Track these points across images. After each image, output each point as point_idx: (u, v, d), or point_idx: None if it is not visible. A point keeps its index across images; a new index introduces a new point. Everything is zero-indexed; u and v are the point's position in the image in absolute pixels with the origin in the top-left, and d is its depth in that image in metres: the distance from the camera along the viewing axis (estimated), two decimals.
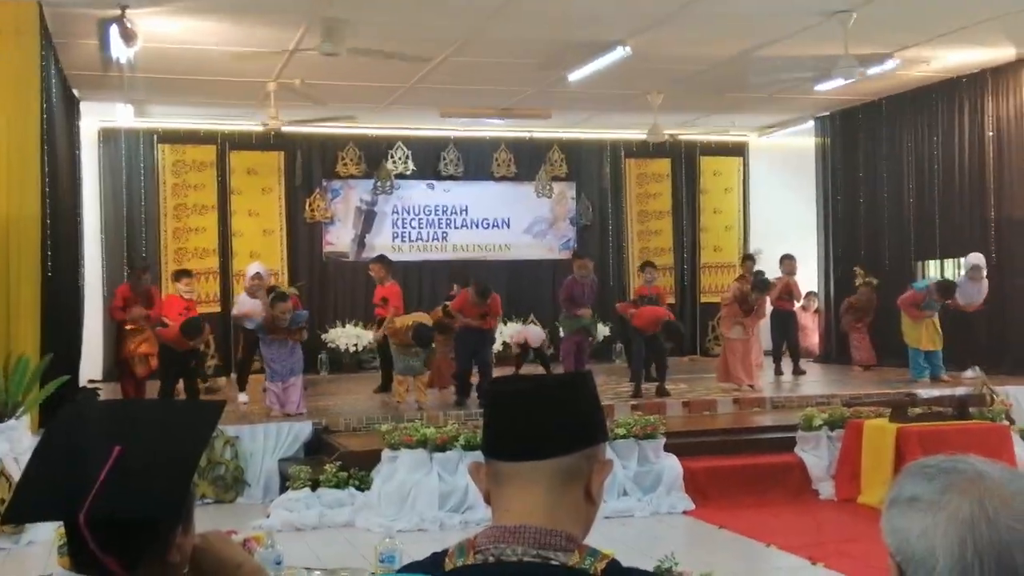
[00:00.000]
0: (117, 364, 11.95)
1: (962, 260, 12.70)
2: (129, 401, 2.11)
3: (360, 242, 15.87)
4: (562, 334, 12.21)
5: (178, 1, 9.21)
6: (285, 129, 13.73)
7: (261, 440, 9.17)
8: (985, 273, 12.07)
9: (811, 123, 15.93)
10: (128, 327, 11.29)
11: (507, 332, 14.19)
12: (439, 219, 16.23)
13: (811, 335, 15.80)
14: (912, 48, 11.49)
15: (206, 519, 8.14)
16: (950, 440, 8.12)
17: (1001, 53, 12.01)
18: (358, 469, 8.44)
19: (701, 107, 14.77)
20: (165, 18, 9.62)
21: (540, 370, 12.54)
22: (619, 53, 10.80)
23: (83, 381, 12.13)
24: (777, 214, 16.41)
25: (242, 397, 11.43)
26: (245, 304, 11.58)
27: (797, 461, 8.99)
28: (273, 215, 15.48)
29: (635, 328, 11.71)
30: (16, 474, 7.09)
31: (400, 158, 15.91)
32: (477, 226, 16.28)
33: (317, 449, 9.32)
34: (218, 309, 14.98)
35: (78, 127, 12.77)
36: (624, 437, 8.56)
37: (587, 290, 11.95)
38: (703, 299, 17.12)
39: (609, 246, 16.81)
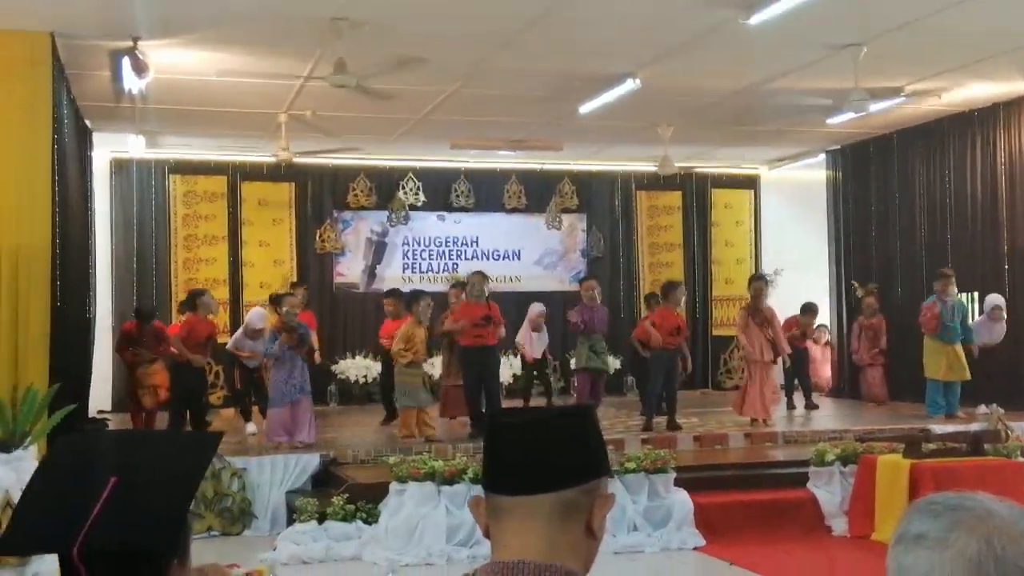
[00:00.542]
0: (128, 395, 11.93)
1: (975, 295, 12.60)
2: (127, 432, 2.09)
3: (371, 273, 15.88)
4: (573, 365, 12.08)
5: (189, 33, 9.27)
6: (296, 160, 13.77)
7: (268, 472, 9.12)
8: (1005, 314, 12.00)
9: (822, 156, 15.92)
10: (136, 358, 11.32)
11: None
12: (450, 250, 16.24)
13: (822, 367, 15.71)
14: (923, 82, 11.48)
15: (212, 551, 8.08)
16: (964, 476, 8.01)
17: (1013, 87, 11.99)
18: (365, 502, 8.37)
19: (711, 140, 14.78)
20: (177, 50, 9.68)
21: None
22: (629, 85, 10.82)
23: (92, 412, 12.13)
24: (789, 247, 16.36)
25: (249, 428, 11.39)
26: (244, 344, 11.61)
27: (809, 497, 8.88)
28: (284, 246, 15.51)
29: (651, 354, 11.54)
30: None
31: (411, 189, 15.95)
32: (488, 258, 16.27)
33: (325, 481, 9.26)
34: (227, 340, 14.93)
35: (90, 157, 12.84)
36: (634, 471, 8.48)
37: (596, 316, 11.82)
38: (715, 332, 17.05)
39: (620, 278, 16.78)
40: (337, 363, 15.05)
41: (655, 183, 16.66)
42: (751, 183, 17.42)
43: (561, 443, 1.54)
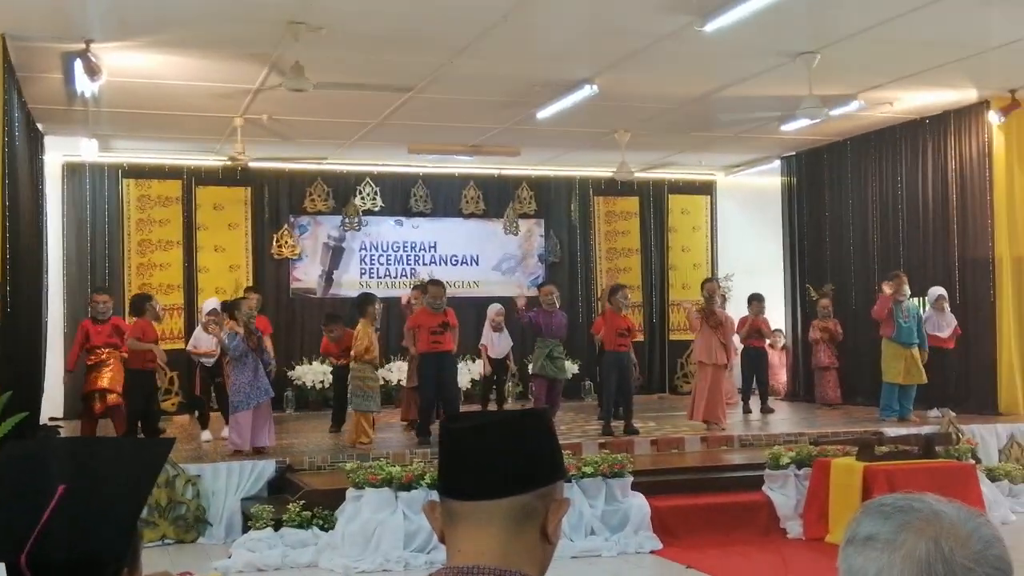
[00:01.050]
0: (82, 399, 11.65)
1: (925, 299, 12.77)
2: (76, 439, 2.08)
3: (328, 278, 15.79)
4: (531, 370, 12.07)
5: (143, 36, 9.17)
6: (252, 164, 13.68)
7: (223, 479, 9.03)
8: (948, 305, 12.19)
9: (777, 162, 16.09)
10: (90, 361, 11.09)
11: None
12: (408, 255, 16.19)
13: (778, 372, 15.85)
14: (876, 89, 11.64)
15: (166, 559, 7.99)
16: (917, 479, 8.12)
17: (963, 95, 12.19)
18: (322, 508, 8.32)
19: (668, 146, 14.88)
20: (130, 52, 9.58)
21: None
22: (586, 91, 10.87)
23: (44, 419, 11.94)
24: (745, 252, 16.51)
25: (204, 435, 11.27)
26: (200, 340, 11.52)
27: (765, 500, 8.95)
28: (239, 251, 15.37)
29: (602, 356, 11.60)
30: None
31: (369, 194, 15.89)
32: (446, 263, 16.25)
33: (280, 488, 9.18)
34: (183, 346, 14.79)
35: (42, 161, 12.65)
36: (592, 475, 8.50)
37: (555, 322, 11.84)
38: (671, 337, 17.15)
39: (578, 283, 16.83)
40: (293, 369, 14.94)
41: (612, 189, 16.74)
42: (707, 189, 17.55)
43: (515, 448, 1.53)
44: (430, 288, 11.26)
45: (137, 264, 14.89)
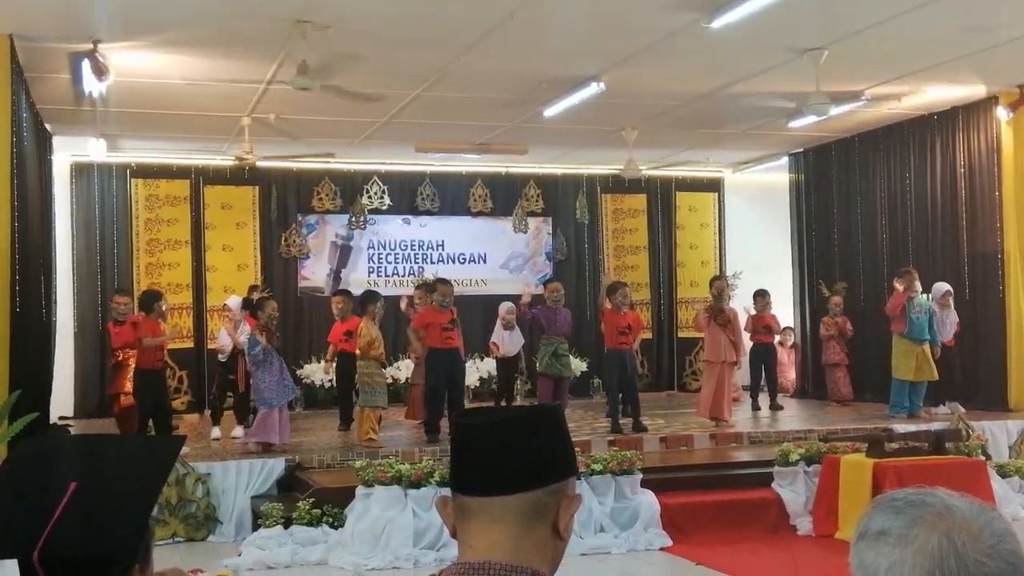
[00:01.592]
0: (111, 399, 11.64)
1: (930, 295, 12.71)
2: (87, 437, 2.08)
3: (336, 277, 15.80)
4: (537, 368, 12.07)
5: (150, 35, 9.19)
6: (259, 164, 13.69)
7: (233, 477, 9.04)
8: (952, 301, 12.15)
9: (785, 159, 16.05)
10: (112, 363, 11.19)
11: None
12: (415, 254, 16.20)
13: (787, 370, 15.82)
14: (884, 85, 11.61)
15: (176, 558, 8.01)
16: (927, 475, 8.08)
17: (972, 91, 12.15)
18: (331, 506, 8.33)
19: (676, 143, 14.86)
20: (137, 52, 9.59)
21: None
22: (593, 89, 10.86)
23: (53, 418, 11.98)
24: (753, 249, 16.47)
25: (215, 432, 11.29)
26: (222, 338, 11.59)
27: (774, 497, 8.94)
28: (248, 250, 15.40)
29: (605, 354, 11.59)
30: None
31: (376, 193, 15.90)
32: (453, 261, 16.25)
33: (290, 486, 9.20)
34: (191, 345, 14.85)
35: (50, 161, 12.68)
36: (601, 473, 8.50)
37: (560, 318, 11.82)
38: (680, 334, 17.13)
39: (586, 281, 16.82)
40: (302, 367, 14.96)
41: (620, 186, 16.72)
42: (715, 186, 17.52)
43: (527, 444, 1.53)
44: (439, 286, 11.27)
45: (146, 264, 14.93)
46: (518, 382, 13.71)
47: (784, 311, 15.22)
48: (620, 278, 16.08)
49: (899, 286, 12.09)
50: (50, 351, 12.16)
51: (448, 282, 11.49)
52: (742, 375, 13.89)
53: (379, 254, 16.05)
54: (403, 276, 15.98)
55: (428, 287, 12.37)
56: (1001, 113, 12.12)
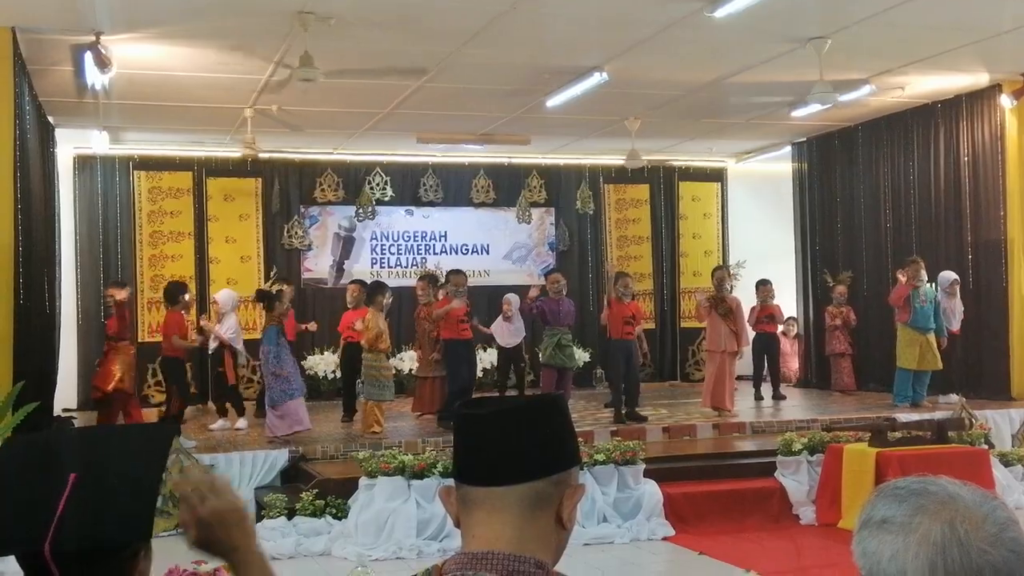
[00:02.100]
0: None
1: (936, 284, 12.70)
2: (81, 429, 2.08)
3: (339, 268, 15.81)
4: (540, 359, 12.08)
5: (153, 27, 9.18)
6: (262, 155, 13.68)
7: (237, 468, 9.06)
8: (959, 290, 12.14)
9: (788, 148, 16.02)
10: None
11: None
12: (418, 245, 16.20)
13: (790, 360, 15.82)
14: (887, 74, 11.58)
15: (180, 549, 8.03)
16: (930, 464, 8.09)
17: (975, 79, 12.12)
18: (335, 497, 8.35)
19: (679, 133, 14.84)
20: (140, 44, 9.59)
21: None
22: (596, 79, 10.84)
23: (57, 410, 11.99)
24: (756, 239, 16.45)
25: (241, 423, 11.32)
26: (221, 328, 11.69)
27: (777, 486, 8.95)
28: (251, 242, 15.40)
29: (609, 344, 11.58)
30: None
31: (378, 184, 15.89)
32: (456, 252, 16.25)
33: (294, 477, 9.22)
34: (194, 337, 14.84)
35: (53, 154, 12.68)
36: (604, 463, 8.51)
37: (563, 309, 11.83)
38: (683, 324, 17.12)
39: (589, 272, 16.81)
40: (305, 359, 14.96)
41: (623, 176, 16.71)
42: (718, 176, 17.50)
43: (530, 434, 1.53)
44: (452, 277, 11.31)
45: (149, 256, 14.94)
46: (524, 371, 13.68)
47: (787, 301, 15.21)
48: (623, 268, 16.11)
49: (902, 276, 12.08)
50: (54, 343, 12.16)
51: (462, 272, 11.54)
52: (745, 365, 13.91)
53: (382, 245, 16.05)
54: (406, 267, 15.98)
55: (432, 279, 12.37)
56: (1005, 101, 12.09)
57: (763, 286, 13.80)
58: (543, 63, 10.69)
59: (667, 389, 15.71)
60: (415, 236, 16.18)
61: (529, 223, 16.51)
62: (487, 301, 15.05)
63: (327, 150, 15.25)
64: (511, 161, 16.33)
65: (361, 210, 15.75)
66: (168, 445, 1.71)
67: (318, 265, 15.74)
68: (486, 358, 14.88)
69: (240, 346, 11.73)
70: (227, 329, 11.58)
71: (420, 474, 8.16)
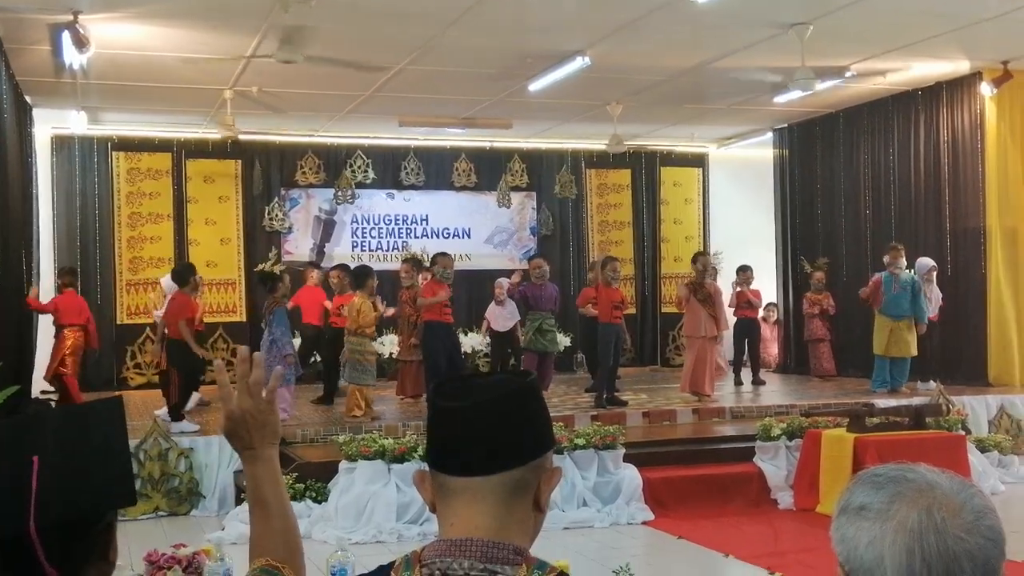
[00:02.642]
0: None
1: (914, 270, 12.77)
2: (32, 413, 2.06)
3: (319, 251, 15.76)
4: (522, 343, 12.08)
5: (131, 7, 9.09)
6: (242, 137, 13.60)
7: (216, 452, 9.03)
8: (935, 276, 12.22)
9: (769, 135, 16.06)
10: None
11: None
12: (399, 228, 16.16)
13: (770, 346, 15.89)
14: (869, 61, 11.61)
15: (159, 532, 8.02)
16: (907, 450, 8.16)
17: (956, 67, 12.16)
18: (315, 481, 8.34)
19: (661, 118, 14.84)
20: (118, 24, 9.49)
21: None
22: (579, 63, 10.82)
23: (36, 393, 11.93)
24: (737, 225, 16.51)
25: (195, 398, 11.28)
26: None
27: (756, 471, 9.00)
28: (230, 224, 15.32)
29: (599, 329, 11.53)
30: None
31: (360, 167, 15.83)
32: (438, 236, 16.22)
33: None
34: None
35: (31, 134, 12.58)
36: (584, 447, 8.52)
37: (546, 294, 11.82)
38: (664, 309, 17.17)
39: (570, 256, 16.82)
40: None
41: (604, 161, 16.70)
42: (700, 161, 17.52)
43: (507, 424, 1.51)
44: (440, 259, 11.22)
45: (128, 237, 14.84)
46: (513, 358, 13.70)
47: (767, 287, 15.27)
48: (603, 253, 16.11)
49: (887, 260, 12.14)
50: (32, 326, 12.10)
51: (449, 255, 11.47)
52: (727, 350, 13.96)
53: (363, 228, 16.00)
54: (387, 251, 15.95)
55: (416, 262, 12.34)
56: (985, 89, 12.14)
57: (743, 272, 13.85)
58: (526, 47, 10.66)
59: (647, 374, 15.75)
60: (396, 219, 16.14)
61: (509, 207, 16.48)
62: (468, 286, 15.04)
63: (308, 132, 15.17)
64: (493, 145, 16.29)
65: (340, 193, 15.68)
66: (120, 413, 1.71)
67: (299, 248, 15.68)
68: (467, 342, 14.87)
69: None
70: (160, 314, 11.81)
71: (400, 458, 8.15)
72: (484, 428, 1.50)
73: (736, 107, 14.07)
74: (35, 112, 12.74)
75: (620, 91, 12.77)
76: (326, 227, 15.84)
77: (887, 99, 13.59)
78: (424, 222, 16.23)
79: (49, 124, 13.85)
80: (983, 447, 9.72)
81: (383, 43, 10.33)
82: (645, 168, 17.20)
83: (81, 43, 9.18)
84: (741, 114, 14.65)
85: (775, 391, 12.97)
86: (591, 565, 6.82)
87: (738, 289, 13.79)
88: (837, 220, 14.66)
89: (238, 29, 9.75)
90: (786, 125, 15.59)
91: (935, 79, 12.70)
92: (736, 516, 8.41)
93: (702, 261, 12.07)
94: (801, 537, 7.79)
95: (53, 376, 11.65)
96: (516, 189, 16.54)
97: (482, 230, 16.48)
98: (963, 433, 9.37)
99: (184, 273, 10.77)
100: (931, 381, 11.71)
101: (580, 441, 8.54)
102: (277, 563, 1.78)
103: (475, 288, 15.55)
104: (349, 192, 15.71)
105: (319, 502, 8.21)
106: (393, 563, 1.54)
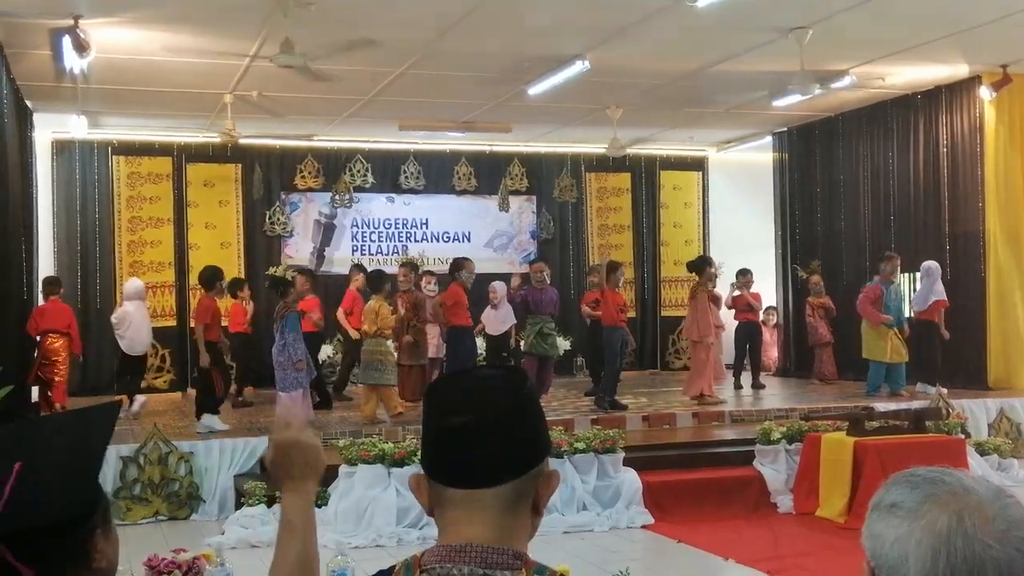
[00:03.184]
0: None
1: (918, 275, 12.76)
2: (26, 419, 2.06)
3: (319, 255, 15.76)
4: (522, 347, 12.09)
5: (132, 11, 9.11)
6: (242, 141, 13.61)
7: (216, 456, 9.04)
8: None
9: (769, 138, 16.06)
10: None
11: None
12: (399, 232, 16.17)
13: (770, 349, 15.88)
14: (868, 65, 11.62)
15: (159, 536, 8.02)
16: (906, 453, 8.16)
17: (955, 70, 12.18)
18: None
19: (660, 122, 14.85)
20: (119, 29, 9.51)
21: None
22: (578, 67, 10.83)
23: (36, 396, 11.94)
24: (736, 228, 16.51)
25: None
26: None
27: (756, 475, 8.99)
28: (231, 228, 15.33)
29: (605, 333, 11.56)
30: None
31: (359, 171, 15.83)
32: (438, 240, 16.23)
33: None
34: (174, 323, 14.82)
35: (31, 138, 12.59)
36: (584, 451, 8.53)
37: (546, 298, 11.85)
38: (664, 313, 17.18)
39: (570, 260, 16.82)
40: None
41: (604, 165, 16.71)
42: (699, 165, 17.53)
43: (509, 439, 1.50)
44: (465, 264, 11.46)
45: (128, 242, 14.84)
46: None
47: (767, 290, 15.26)
48: (605, 257, 16.11)
49: (887, 270, 12.18)
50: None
51: (471, 260, 11.74)
52: (727, 354, 13.97)
53: (363, 232, 16.01)
54: (387, 255, 15.95)
55: (413, 266, 12.37)
56: (984, 93, 12.16)
57: (743, 275, 13.86)
58: (525, 51, 10.67)
59: (647, 378, 15.75)
60: (396, 223, 16.14)
61: (507, 211, 16.48)
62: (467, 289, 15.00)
63: (308, 136, 15.18)
64: (493, 149, 16.30)
65: (338, 196, 15.68)
66: (114, 422, 1.71)
67: (299, 252, 15.68)
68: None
69: (121, 331, 11.97)
70: (115, 316, 12.16)
71: (400, 462, 8.16)
72: (484, 445, 1.49)
73: (735, 111, 14.08)
74: (35, 116, 12.75)
75: (619, 95, 12.79)
76: (326, 231, 15.85)
77: (886, 103, 13.60)
78: (424, 226, 16.23)
79: (49, 128, 13.87)
80: (983, 451, 9.72)
81: (383, 47, 10.34)
82: (645, 172, 17.21)
83: (82, 47, 9.20)
84: (740, 118, 14.66)
85: (775, 395, 12.97)
86: (591, 569, 6.82)
87: (738, 293, 13.79)
88: (836, 224, 14.66)
89: (239, 34, 9.77)
90: (785, 129, 15.60)
91: (934, 83, 12.71)
92: (736, 520, 8.41)
93: (712, 272, 12.22)
94: (801, 541, 7.79)
95: (35, 380, 11.63)
96: (516, 193, 16.54)
97: (482, 234, 16.49)
98: (963, 437, 9.36)
99: (212, 278, 10.82)
100: (920, 384, 11.74)
101: (580, 445, 8.54)
102: None
103: (475, 292, 15.48)
104: (347, 196, 15.72)
105: (319, 506, 8.20)
106: (393, 567, 1.55)
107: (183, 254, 15.00)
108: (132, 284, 12.52)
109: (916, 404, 10.36)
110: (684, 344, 16.90)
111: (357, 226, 15.97)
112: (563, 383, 14.19)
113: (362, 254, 15.86)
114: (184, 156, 15.06)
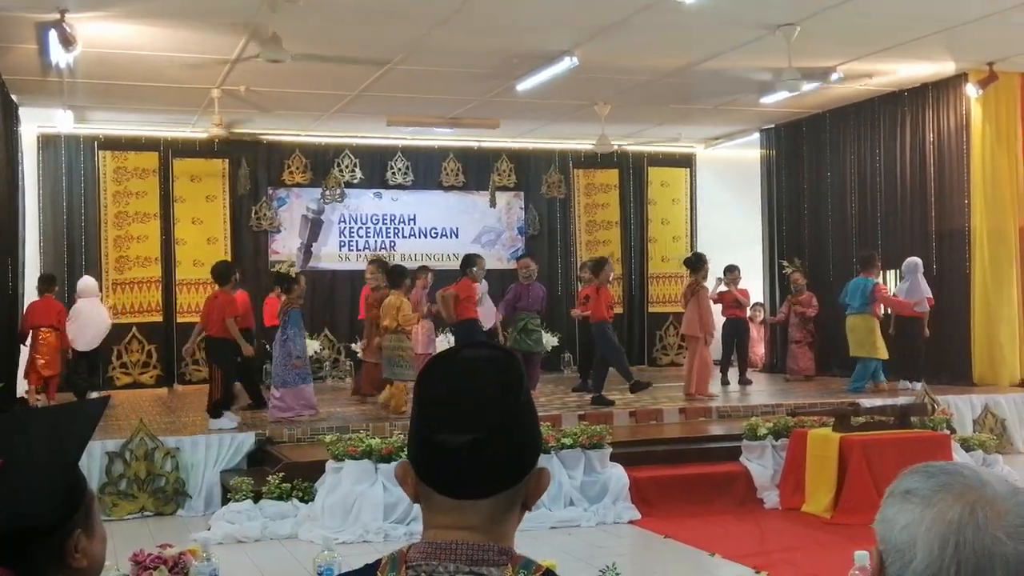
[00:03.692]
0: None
1: (901, 270, 12.81)
2: (12, 413, 2.05)
3: (307, 251, 15.73)
4: (507, 343, 12.08)
5: (118, 6, 9.06)
6: (230, 136, 13.58)
7: (203, 451, 9.01)
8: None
9: (757, 135, 16.10)
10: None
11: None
12: (387, 228, 16.15)
13: (756, 345, 15.93)
14: (855, 62, 11.66)
15: (145, 532, 7.99)
16: (892, 449, 8.22)
17: (942, 68, 12.22)
18: (301, 480, 8.33)
19: (648, 118, 14.87)
20: (105, 23, 9.47)
21: None
22: (566, 63, 10.83)
23: (21, 392, 11.89)
24: (724, 225, 16.55)
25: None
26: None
27: (742, 470, 9.02)
28: (217, 223, 15.28)
29: (595, 328, 11.61)
30: None
31: (347, 166, 15.81)
32: (425, 235, 16.22)
33: (260, 461, 9.18)
34: (160, 319, 14.77)
35: (17, 133, 12.53)
36: (571, 447, 8.53)
37: (532, 294, 11.87)
38: (651, 309, 17.21)
39: (558, 256, 16.84)
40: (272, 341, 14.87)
41: (592, 161, 16.73)
42: (687, 161, 17.56)
43: (506, 452, 1.49)
44: (477, 260, 11.57)
45: (114, 236, 14.78)
46: None
47: (754, 286, 15.30)
48: (593, 253, 16.14)
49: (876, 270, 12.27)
50: (16, 324, 12.05)
51: (482, 257, 11.89)
52: (714, 349, 13.98)
53: (350, 228, 15.98)
54: (375, 250, 15.92)
55: (381, 263, 12.32)
56: (970, 90, 12.21)
57: (730, 272, 13.90)
58: (513, 47, 10.67)
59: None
60: (384, 219, 16.12)
61: (495, 207, 16.48)
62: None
63: (295, 131, 15.15)
64: (480, 145, 16.30)
65: (328, 192, 15.66)
66: (97, 420, 1.70)
67: (286, 248, 15.65)
68: (449, 340, 14.86)
69: (67, 330, 12.09)
70: (71, 315, 12.29)
71: (387, 458, 8.14)
72: (478, 465, 1.47)
73: (723, 107, 14.11)
74: (21, 111, 12.69)
75: (607, 91, 12.80)
76: (313, 227, 15.82)
77: (873, 100, 13.64)
78: (412, 222, 16.22)
79: (35, 123, 13.80)
80: (968, 446, 9.76)
81: (371, 43, 10.32)
82: (632, 168, 17.23)
83: (68, 42, 9.15)
84: (728, 114, 14.69)
85: (761, 391, 13.00)
86: (578, 564, 6.83)
87: (725, 289, 13.82)
88: (823, 220, 14.71)
89: (226, 28, 9.73)
90: (773, 125, 15.64)
91: (921, 80, 12.76)
92: (722, 515, 8.43)
93: (707, 270, 12.29)
94: (787, 536, 7.82)
95: (38, 377, 11.79)
96: (504, 189, 16.54)
97: (470, 230, 16.48)
98: (948, 432, 9.40)
99: (226, 272, 10.72)
100: (913, 382, 11.78)
101: (567, 440, 8.54)
102: None
103: None
104: (337, 191, 15.69)
105: (306, 502, 8.20)
106: (379, 561, 1.54)
107: (169, 249, 14.95)
108: (83, 281, 12.90)
109: (902, 400, 10.40)
110: (672, 340, 16.96)
111: (345, 222, 15.94)
112: (551, 379, 14.20)
113: (349, 250, 15.84)
114: (171, 151, 15.00)
